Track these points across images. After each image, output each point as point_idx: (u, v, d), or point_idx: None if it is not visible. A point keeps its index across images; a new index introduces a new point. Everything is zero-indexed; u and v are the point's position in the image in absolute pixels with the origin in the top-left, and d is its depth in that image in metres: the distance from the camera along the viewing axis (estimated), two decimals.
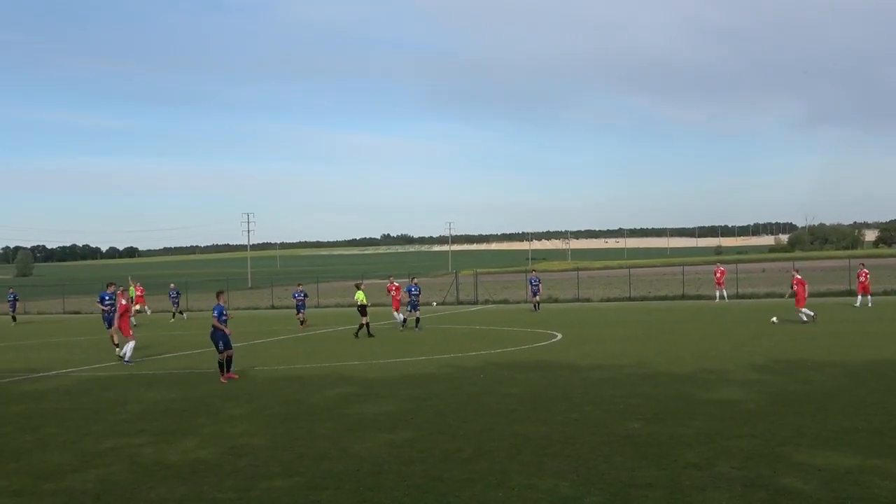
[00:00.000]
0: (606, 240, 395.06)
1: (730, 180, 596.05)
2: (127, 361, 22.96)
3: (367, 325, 29.69)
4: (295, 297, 38.24)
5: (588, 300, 53.76)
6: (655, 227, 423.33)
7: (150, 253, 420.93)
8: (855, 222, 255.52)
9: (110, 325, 25.29)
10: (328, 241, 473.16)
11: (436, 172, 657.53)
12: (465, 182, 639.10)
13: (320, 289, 66.76)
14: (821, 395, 13.86)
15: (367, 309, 30.16)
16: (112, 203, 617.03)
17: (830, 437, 10.53)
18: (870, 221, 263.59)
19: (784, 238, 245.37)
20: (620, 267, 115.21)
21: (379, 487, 8.88)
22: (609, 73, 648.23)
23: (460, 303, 55.82)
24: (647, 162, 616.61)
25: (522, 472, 9.32)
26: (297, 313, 37.50)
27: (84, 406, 15.62)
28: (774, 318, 29.44)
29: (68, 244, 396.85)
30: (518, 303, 52.00)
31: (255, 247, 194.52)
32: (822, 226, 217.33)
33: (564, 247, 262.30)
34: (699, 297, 51.10)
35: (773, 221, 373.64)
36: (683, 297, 52.28)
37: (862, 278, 38.54)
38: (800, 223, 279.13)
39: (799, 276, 30.32)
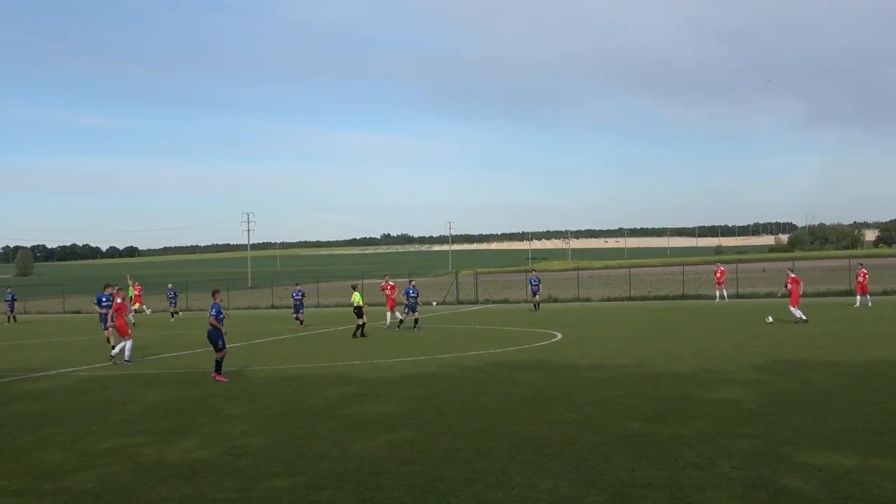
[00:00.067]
0: (606, 239, 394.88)
1: (730, 180, 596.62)
2: (127, 360, 22.96)
3: (363, 326, 29.74)
4: (293, 297, 38.21)
5: (588, 300, 53.77)
6: (655, 226, 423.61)
7: (150, 252, 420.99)
8: (855, 222, 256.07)
9: (106, 325, 25.22)
10: (328, 241, 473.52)
11: (436, 172, 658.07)
12: (465, 182, 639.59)
13: (320, 289, 66.79)
14: (821, 395, 13.86)
15: (364, 310, 30.28)
16: (112, 203, 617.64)
17: (831, 437, 10.53)
18: (870, 221, 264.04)
19: (784, 238, 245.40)
20: (620, 267, 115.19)
21: (379, 487, 8.88)
22: (609, 73, 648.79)
23: (460, 302, 55.84)
24: (647, 162, 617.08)
25: (522, 471, 9.32)
26: (295, 313, 37.38)
27: (84, 406, 15.62)
28: (769, 318, 29.52)
29: (68, 244, 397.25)
30: (518, 302, 52.02)
31: (255, 246, 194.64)
32: (822, 226, 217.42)
33: (564, 246, 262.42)
34: (699, 297, 51.13)
35: (773, 221, 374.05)
36: (684, 296, 52.30)
37: (860, 278, 38.55)
38: (800, 223, 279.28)
39: (794, 276, 30.56)
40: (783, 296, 31.55)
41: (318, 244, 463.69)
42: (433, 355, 22.65)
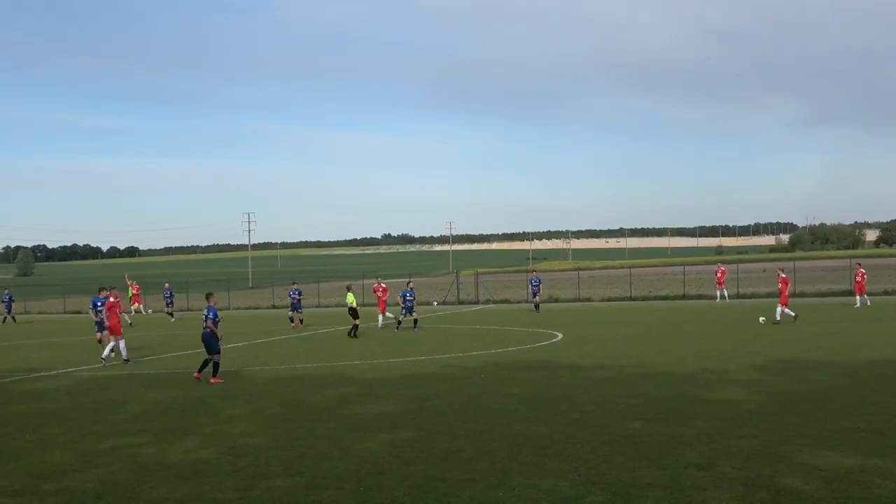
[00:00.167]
0: (607, 239, 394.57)
1: (730, 180, 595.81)
2: (125, 360, 22.94)
3: (357, 326, 29.81)
4: (290, 296, 38.10)
5: (589, 300, 53.76)
6: (656, 226, 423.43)
7: (150, 252, 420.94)
8: (856, 222, 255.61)
9: (101, 329, 25.13)
10: (329, 241, 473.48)
11: (436, 172, 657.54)
12: (466, 182, 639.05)
13: (321, 288, 66.80)
14: (821, 395, 13.87)
15: (359, 311, 30.44)
16: (112, 203, 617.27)
17: (831, 437, 10.53)
18: (870, 221, 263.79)
19: (785, 238, 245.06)
20: (621, 267, 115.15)
21: (380, 487, 8.88)
22: (609, 73, 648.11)
23: (461, 302, 55.84)
24: (648, 162, 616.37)
25: (523, 472, 9.32)
26: (291, 312, 37.26)
27: (84, 406, 15.63)
28: (762, 318, 29.61)
29: (69, 244, 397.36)
30: (519, 302, 52.01)
31: (255, 246, 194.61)
32: (822, 226, 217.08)
33: (565, 246, 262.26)
34: (700, 297, 51.11)
35: (774, 221, 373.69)
36: (684, 296, 52.27)
37: (858, 278, 38.58)
38: (801, 223, 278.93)
39: (784, 275, 30.85)
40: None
41: (319, 244, 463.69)
42: (434, 355, 22.65)
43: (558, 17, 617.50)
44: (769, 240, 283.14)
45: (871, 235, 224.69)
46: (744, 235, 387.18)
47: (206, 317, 19.02)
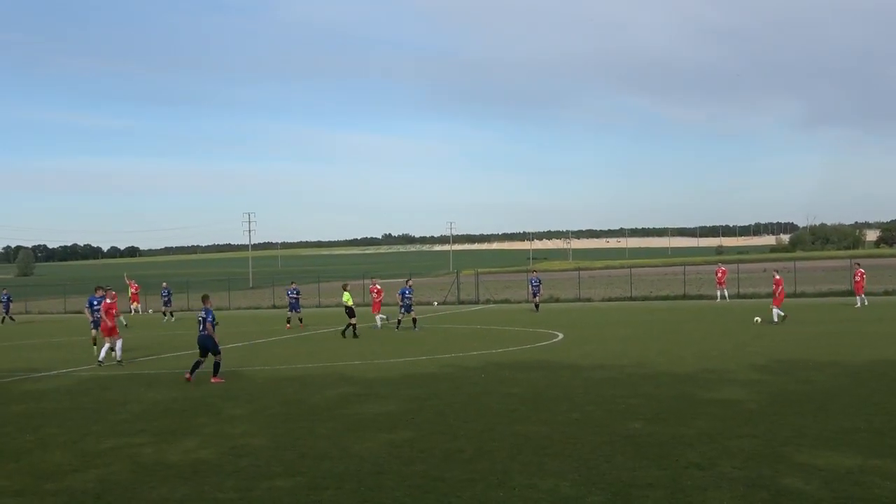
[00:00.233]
0: (608, 239, 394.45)
1: (730, 180, 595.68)
2: (118, 361, 22.84)
3: (354, 325, 29.84)
4: (289, 296, 38.02)
5: (589, 300, 53.76)
6: (656, 226, 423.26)
7: (151, 252, 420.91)
8: (856, 222, 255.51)
9: (97, 327, 25.08)
10: (329, 241, 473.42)
11: (436, 172, 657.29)
12: (466, 182, 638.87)
13: (321, 288, 66.79)
14: (821, 395, 13.86)
15: (355, 310, 30.50)
16: (112, 203, 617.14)
17: (831, 438, 10.53)
18: (871, 221, 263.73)
19: (785, 238, 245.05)
20: (622, 267, 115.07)
21: (380, 487, 8.87)
22: (609, 73, 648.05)
23: (461, 302, 55.85)
24: (647, 162, 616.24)
25: (523, 472, 9.32)
26: (290, 312, 37.16)
27: (84, 406, 15.62)
28: (757, 318, 29.67)
29: (69, 244, 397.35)
30: (519, 302, 52.02)
31: (256, 246, 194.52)
32: (823, 226, 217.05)
33: (565, 246, 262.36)
34: (700, 297, 51.12)
35: (775, 221, 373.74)
36: (685, 296, 52.29)
37: (857, 278, 38.60)
38: (801, 223, 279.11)
39: (778, 276, 30.98)
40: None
41: (319, 244, 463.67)
42: (434, 355, 22.64)
43: (558, 17, 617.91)
44: (769, 240, 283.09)
45: (872, 235, 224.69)
46: (744, 235, 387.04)
47: (206, 320, 19.00)
